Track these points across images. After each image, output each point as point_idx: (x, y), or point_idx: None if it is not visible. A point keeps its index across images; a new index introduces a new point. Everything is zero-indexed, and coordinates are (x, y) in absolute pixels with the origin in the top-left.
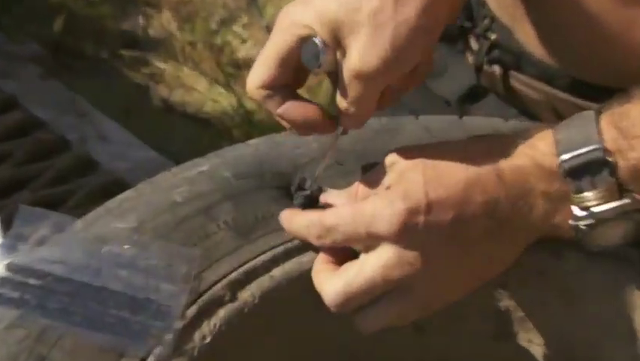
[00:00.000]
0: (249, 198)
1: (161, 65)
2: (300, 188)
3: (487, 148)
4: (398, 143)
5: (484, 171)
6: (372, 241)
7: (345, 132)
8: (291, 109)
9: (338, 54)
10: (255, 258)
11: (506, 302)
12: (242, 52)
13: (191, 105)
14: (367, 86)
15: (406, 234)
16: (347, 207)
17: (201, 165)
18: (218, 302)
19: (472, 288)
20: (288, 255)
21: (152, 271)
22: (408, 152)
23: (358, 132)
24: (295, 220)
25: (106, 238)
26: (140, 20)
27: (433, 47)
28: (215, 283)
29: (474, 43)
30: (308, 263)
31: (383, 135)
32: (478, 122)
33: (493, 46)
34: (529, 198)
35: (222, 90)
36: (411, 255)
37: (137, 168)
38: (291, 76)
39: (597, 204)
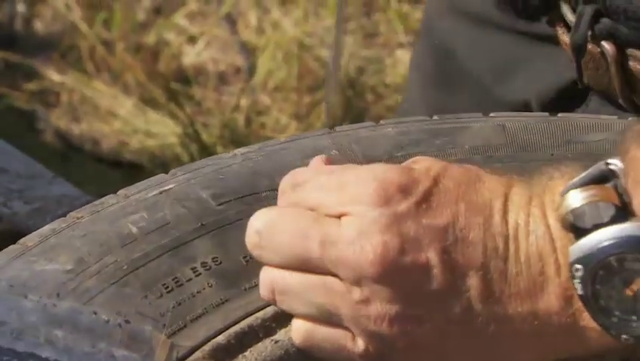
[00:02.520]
0: (238, 230)
1: (55, 76)
2: None
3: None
4: (460, 145)
5: None
6: None
7: None
8: None
9: None
10: (249, 315)
11: None
12: (189, 56)
13: (107, 142)
14: None
15: None
16: None
17: (165, 183)
18: None
19: None
20: None
21: (100, 331)
22: None
23: (398, 132)
24: None
25: (27, 285)
26: (20, 6)
27: None
28: (194, 350)
29: (568, 13)
30: None
31: (438, 137)
32: (581, 121)
33: (599, 12)
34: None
35: (160, 116)
36: None
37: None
38: None
39: None
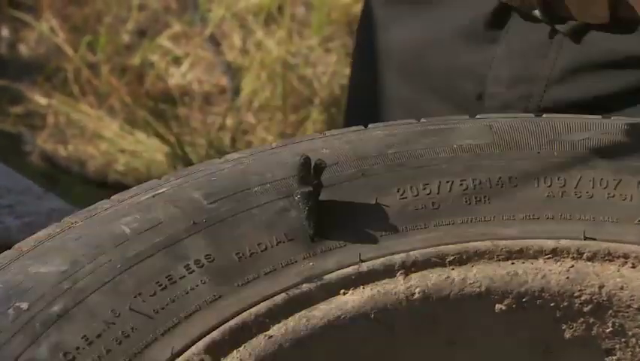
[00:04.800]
0: (230, 227)
1: (41, 100)
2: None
3: None
4: (448, 143)
5: None
6: None
7: None
8: None
9: None
10: (242, 311)
11: None
12: (175, 78)
13: (94, 163)
14: None
15: None
16: None
17: (158, 187)
18: None
19: None
20: (291, 307)
21: None
22: None
23: (387, 133)
24: None
25: (23, 287)
26: (4, 31)
27: None
28: (188, 346)
29: None
30: (320, 318)
31: (427, 137)
32: (565, 121)
33: None
34: None
35: (146, 137)
36: None
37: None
38: None
39: None
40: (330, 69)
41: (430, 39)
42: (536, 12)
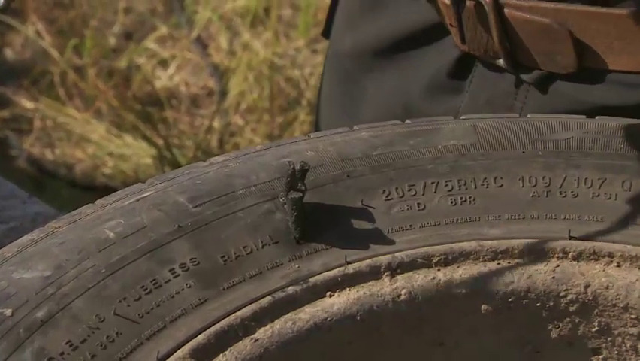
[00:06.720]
0: (215, 230)
1: (27, 103)
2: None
3: None
4: (433, 144)
5: None
6: None
7: None
8: None
9: None
10: (228, 315)
11: None
12: (162, 80)
13: (81, 167)
14: None
15: None
16: None
17: (142, 191)
18: None
19: None
20: (277, 310)
21: None
22: None
23: (372, 135)
24: None
25: (6, 293)
26: None
27: None
28: (174, 350)
29: None
30: (307, 321)
31: (411, 138)
32: (550, 120)
33: None
34: None
35: (133, 140)
36: None
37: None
38: None
39: None
40: (317, 70)
41: (398, 96)
42: (500, 61)
